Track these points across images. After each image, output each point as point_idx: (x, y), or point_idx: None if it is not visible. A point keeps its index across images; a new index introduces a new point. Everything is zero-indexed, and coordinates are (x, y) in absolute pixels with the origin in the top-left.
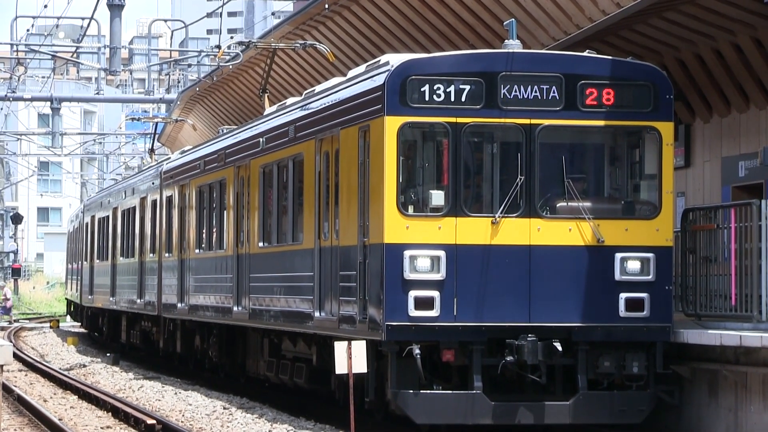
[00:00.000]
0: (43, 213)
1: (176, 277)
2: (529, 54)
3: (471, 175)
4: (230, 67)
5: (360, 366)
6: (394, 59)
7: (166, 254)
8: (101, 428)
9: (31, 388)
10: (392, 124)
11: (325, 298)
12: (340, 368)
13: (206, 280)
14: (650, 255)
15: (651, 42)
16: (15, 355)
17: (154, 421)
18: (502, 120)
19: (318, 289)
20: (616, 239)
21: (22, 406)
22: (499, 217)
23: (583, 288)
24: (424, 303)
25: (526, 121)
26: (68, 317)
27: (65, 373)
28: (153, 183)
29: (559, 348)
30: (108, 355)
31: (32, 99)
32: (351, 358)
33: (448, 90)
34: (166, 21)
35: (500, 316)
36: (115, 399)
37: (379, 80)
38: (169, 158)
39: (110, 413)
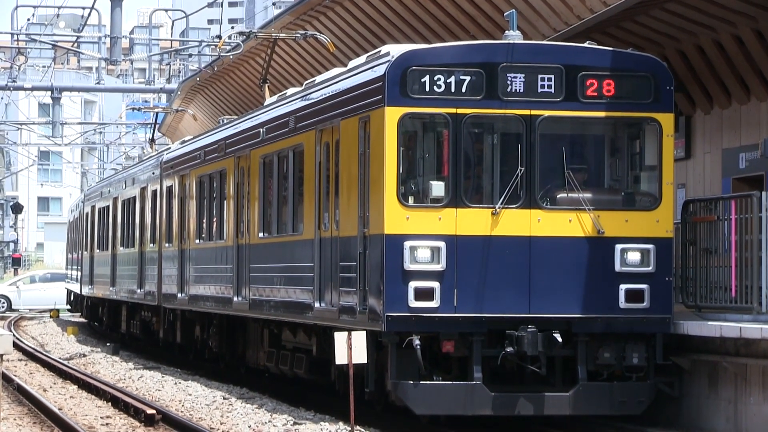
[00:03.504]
0: (44, 203)
1: (176, 267)
2: (529, 45)
3: (471, 166)
4: (231, 57)
5: (360, 357)
6: (395, 50)
7: (167, 244)
8: (101, 418)
9: (31, 378)
10: (392, 114)
11: (325, 289)
12: (340, 359)
13: (206, 270)
14: (650, 246)
15: (652, 33)
16: (15, 345)
17: (153, 411)
18: (503, 111)
19: (318, 280)
20: (616, 230)
21: (22, 395)
22: (499, 208)
23: (583, 279)
24: (424, 294)
25: (527, 112)
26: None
27: (65, 362)
28: (153, 173)
29: (559, 339)
30: (108, 344)
31: (33, 88)
32: (351, 348)
33: (448, 81)
34: (166, 11)
35: (500, 307)
36: (114, 389)
37: (380, 71)
38: (170, 148)
39: (110, 403)
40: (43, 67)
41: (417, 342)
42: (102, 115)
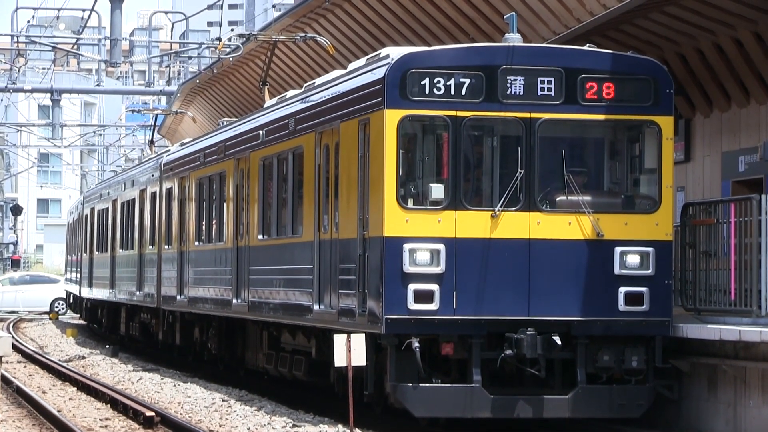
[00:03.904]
0: (43, 204)
1: (176, 269)
2: (529, 48)
3: (471, 168)
4: (230, 59)
5: (359, 359)
6: (395, 52)
7: (166, 246)
8: (100, 420)
9: (30, 380)
10: (392, 117)
11: (324, 291)
12: (340, 361)
13: (206, 272)
14: (650, 249)
15: (651, 36)
16: (14, 347)
17: (152, 413)
18: (502, 113)
19: (317, 282)
20: (615, 233)
21: (21, 397)
22: (498, 210)
23: (583, 282)
24: (423, 296)
25: (526, 114)
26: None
27: (64, 364)
28: (153, 175)
29: (558, 342)
30: (107, 346)
31: (32, 90)
32: (350, 351)
33: (448, 83)
34: (166, 13)
35: (499, 310)
36: (114, 391)
37: (380, 73)
38: (169, 150)
39: (109, 405)
40: (43, 69)
41: (416, 344)
42: (102, 117)
